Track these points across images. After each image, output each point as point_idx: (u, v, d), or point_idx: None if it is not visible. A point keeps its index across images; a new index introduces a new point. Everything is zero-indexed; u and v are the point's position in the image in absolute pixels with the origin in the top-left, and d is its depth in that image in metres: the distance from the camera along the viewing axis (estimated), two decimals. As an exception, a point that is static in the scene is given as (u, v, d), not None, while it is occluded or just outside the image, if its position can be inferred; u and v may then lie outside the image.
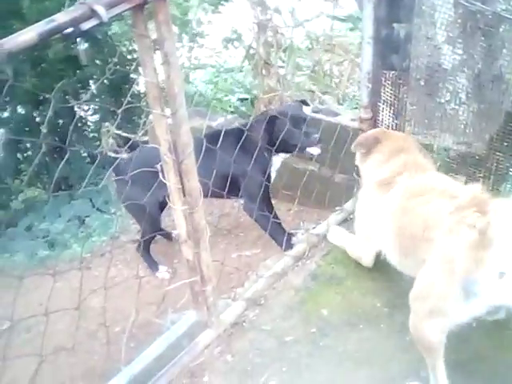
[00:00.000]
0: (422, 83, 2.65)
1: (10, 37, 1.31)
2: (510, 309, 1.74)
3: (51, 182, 4.74)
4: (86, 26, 1.41)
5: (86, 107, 5.32)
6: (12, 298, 1.70)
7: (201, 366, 2.17)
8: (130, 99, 2.07)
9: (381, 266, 2.40)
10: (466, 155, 2.67)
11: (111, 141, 4.40)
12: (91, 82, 5.18)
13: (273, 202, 3.42)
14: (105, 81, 4.56)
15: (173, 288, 2.22)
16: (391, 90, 2.78)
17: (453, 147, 2.72)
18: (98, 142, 5.06)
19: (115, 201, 4.04)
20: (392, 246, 2.18)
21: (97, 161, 3.27)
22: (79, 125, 5.26)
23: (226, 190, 2.66)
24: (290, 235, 3.12)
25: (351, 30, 5.21)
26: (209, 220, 2.31)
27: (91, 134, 5.44)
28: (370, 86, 2.80)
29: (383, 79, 2.78)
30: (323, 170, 3.62)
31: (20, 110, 5.02)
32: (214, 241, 2.84)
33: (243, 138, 2.69)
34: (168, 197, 1.98)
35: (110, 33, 5.10)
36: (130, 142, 3.06)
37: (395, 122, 2.85)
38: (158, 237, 3.68)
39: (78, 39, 1.68)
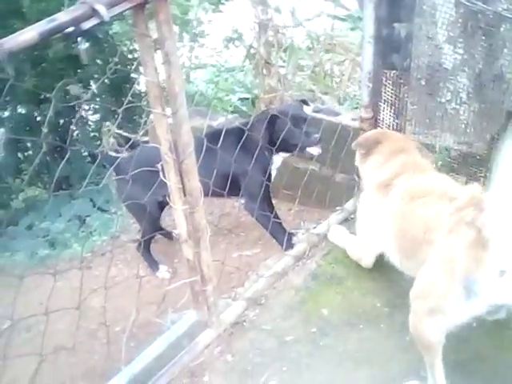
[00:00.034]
0: (423, 83, 2.65)
1: (10, 36, 1.31)
2: (511, 308, 1.74)
3: (52, 182, 4.73)
4: (86, 25, 1.41)
5: (86, 107, 5.32)
6: (12, 297, 1.69)
7: (201, 365, 2.17)
8: (130, 99, 2.08)
9: (381, 266, 2.40)
10: (466, 155, 2.67)
11: (112, 140, 4.40)
12: (92, 81, 5.17)
13: (273, 201, 3.41)
14: (105, 80, 4.56)
15: (173, 288, 2.23)
16: (392, 89, 2.78)
17: (454, 147, 2.72)
18: (98, 142, 5.06)
19: (116, 200, 4.04)
20: (393, 248, 2.18)
21: (97, 160, 3.28)
22: (80, 124, 5.26)
23: (227, 189, 2.66)
24: (291, 235, 3.12)
25: (352, 29, 5.21)
26: (209, 219, 2.31)
27: (92, 134, 5.44)
28: (371, 85, 2.80)
29: (384, 79, 2.78)
30: (324, 170, 3.62)
31: (20, 109, 5.01)
32: (215, 240, 2.84)
33: (244, 137, 2.69)
34: (168, 196, 1.98)
35: (110, 32, 5.09)
36: (131, 141, 3.06)
37: (396, 121, 2.85)
38: (159, 236, 3.68)
39: (78, 38, 1.68)
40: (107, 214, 4.43)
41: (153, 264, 3.49)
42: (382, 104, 2.85)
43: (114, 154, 3.77)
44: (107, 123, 4.65)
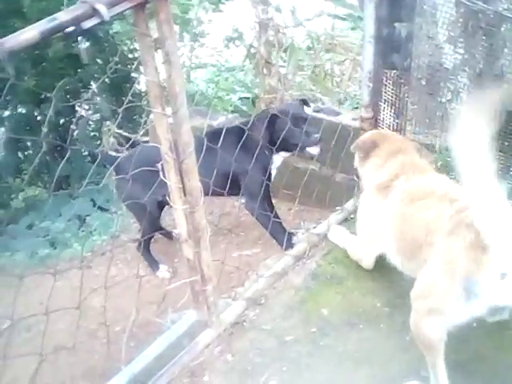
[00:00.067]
0: (424, 82, 2.65)
1: (11, 35, 1.31)
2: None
3: (52, 181, 4.74)
4: (87, 24, 1.41)
5: (86, 106, 5.32)
6: (12, 296, 1.69)
7: (201, 365, 2.17)
8: (130, 98, 2.08)
9: (381, 266, 2.40)
10: (466, 155, 2.66)
11: (112, 140, 4.40)
12: (92, 80, 5.17)
13: (273, 201, 3.41)
14: (106, 80, 4.56)
15: (173, 287, 2.23)
16: (392, 89, 2.78)
17: (454, 147, 2.71)
18: (98, 141, 5.06)
19: (116, 200, 4.03)
20: (394, 249, 2.18)
21: (98, 160, 3.28)
22: (80, 124, 5.26)
23: (227, 188, 2.66)
24: (291, 234, 3.12)
25: (352, 29, 5.21)
26: (209, 219, 2.31)
27: (92, 133, 5.44)
28: (371, 85, 2.80)
29: (384, 78, 2.78)
30: (324, 170, 3.62)
31: (20, 108, 5.02)
32: (215, 240, 2.83)
33: (244, 136, 2.69)
34: (168, 196, 1.98)
35: (111, 32, 5.10)
36: (131, 141, 3.06)
37: (396, 121, 2.85)
38: (159, 236, 3.69)
39: (79, 38, 1.68)
40: (107, 214, 4.43)
41: (153, 264, 3.49)
42: (382, 104, 2.85)
43: (114, 154, 3.77)
44: (107, 123, 4.65)
